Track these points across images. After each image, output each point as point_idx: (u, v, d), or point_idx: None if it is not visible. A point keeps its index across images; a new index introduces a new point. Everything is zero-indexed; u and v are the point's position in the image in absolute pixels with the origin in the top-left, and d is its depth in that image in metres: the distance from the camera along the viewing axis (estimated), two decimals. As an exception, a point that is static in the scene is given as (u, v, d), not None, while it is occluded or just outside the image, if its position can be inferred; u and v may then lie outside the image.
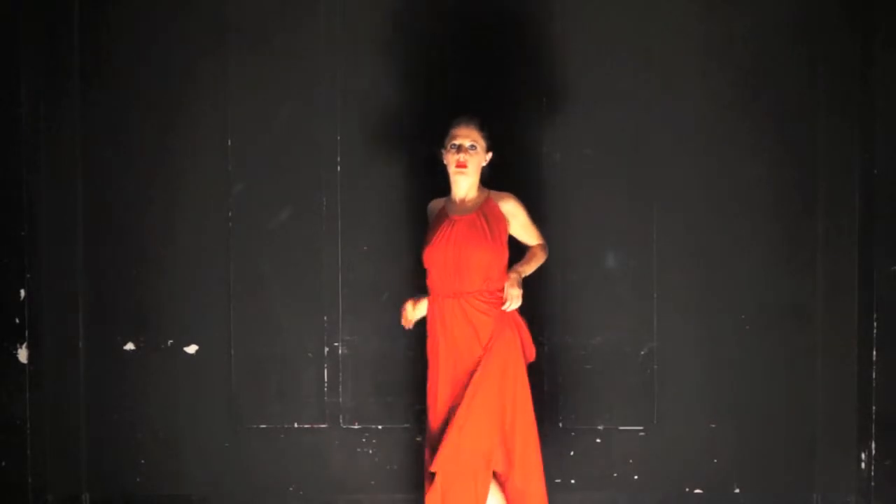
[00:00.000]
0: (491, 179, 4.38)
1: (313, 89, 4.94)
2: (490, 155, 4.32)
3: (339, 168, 4.95)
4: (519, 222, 4.32)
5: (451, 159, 4.26)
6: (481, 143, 4.26)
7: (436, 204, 4.41)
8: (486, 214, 4.23)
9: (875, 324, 4.74)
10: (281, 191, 4.96)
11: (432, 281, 4.25)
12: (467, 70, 4.88)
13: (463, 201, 4.29)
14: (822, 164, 4.90)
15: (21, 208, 4.84)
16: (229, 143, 4.97)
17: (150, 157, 4.96)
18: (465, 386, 4.13)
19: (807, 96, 4.90)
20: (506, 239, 4.26)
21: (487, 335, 4.15)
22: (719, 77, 4.90)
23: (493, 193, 4.31)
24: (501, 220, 4.25)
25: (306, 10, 4.94)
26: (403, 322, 4.31)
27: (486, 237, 4.17)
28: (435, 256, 4.20)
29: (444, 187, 4.41)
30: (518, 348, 4.22)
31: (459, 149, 4.23)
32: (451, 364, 4.18)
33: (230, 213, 4.97)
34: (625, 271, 4.93)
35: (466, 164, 4.23)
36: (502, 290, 4.19)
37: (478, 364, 4.14)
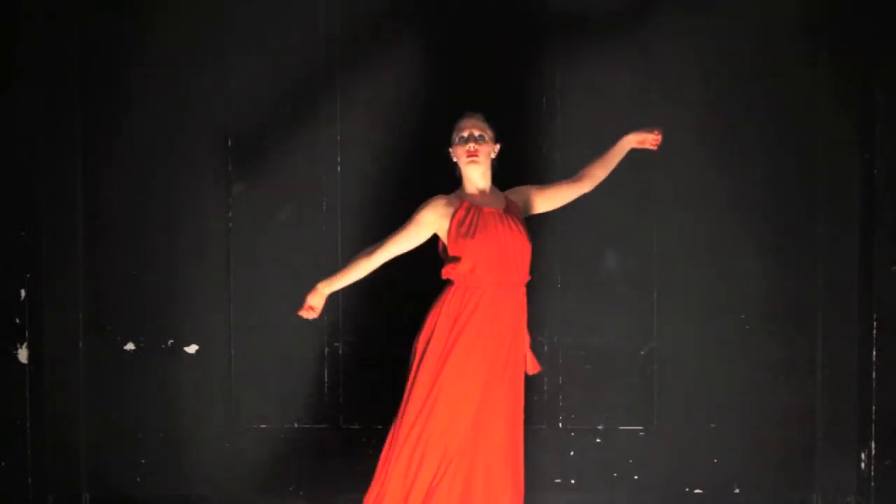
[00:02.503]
0: (496, 177, 4.38)
1: (313, 89, 4.94)
2: (498, 146, 4.32)
3: (339, 168, 4.95)
4: (533, 189, 4.32)
5: (461, 152, 4.23)
6: (489, 134, 4.26)
7: (449, 200, 4.26)
8: (512, 212, 4.21)
9: (875, 324, 4.74)
10: (281, 191, 4.96)
11: (479, 272, 4.12)
12: (467, 70, 4.88)
13: (484, 193, 4.25)
14: (822, 164, 4.90)
15: (21, 208, 4.84)
16: (229, 143, 4.97)
17: (150, 158, 4.96)
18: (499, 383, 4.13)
19: (807, 96, 4.90)
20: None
21: (524, 331, 4.15)
22: (719, 77, 4.90)
23: (507, 194, 4.31)
24: (521, 214, 4.24)
25: (306, 10, 4.94)
26: (308, 312, 4.22)
27: (517, 229, 4.15)
28: (488, 245, 4.09)
29: (443, 186, 4.40)
30: None
31: (468, 139, 4.22)
32: (491, 357, 4.11)
33: (230, 213, 4.98)
34: (625, 271, 4.93)
35: (478, 152, 4.20)
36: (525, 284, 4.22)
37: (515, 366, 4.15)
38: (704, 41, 4.90)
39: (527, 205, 4.30)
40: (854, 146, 4.87)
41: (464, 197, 4.25)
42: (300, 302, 4.94)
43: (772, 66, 4.89)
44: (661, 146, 4.88)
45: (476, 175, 4.24)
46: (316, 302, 4.26)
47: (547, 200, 4.34)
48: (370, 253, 4.21)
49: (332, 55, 4.93)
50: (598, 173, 4.34)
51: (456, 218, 4.17)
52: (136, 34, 4.95)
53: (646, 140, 4.32)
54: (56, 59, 4.94)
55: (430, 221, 4.20)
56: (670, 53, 4.90)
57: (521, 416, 4.20)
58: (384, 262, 4.18)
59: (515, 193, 4.31)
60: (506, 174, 4.37)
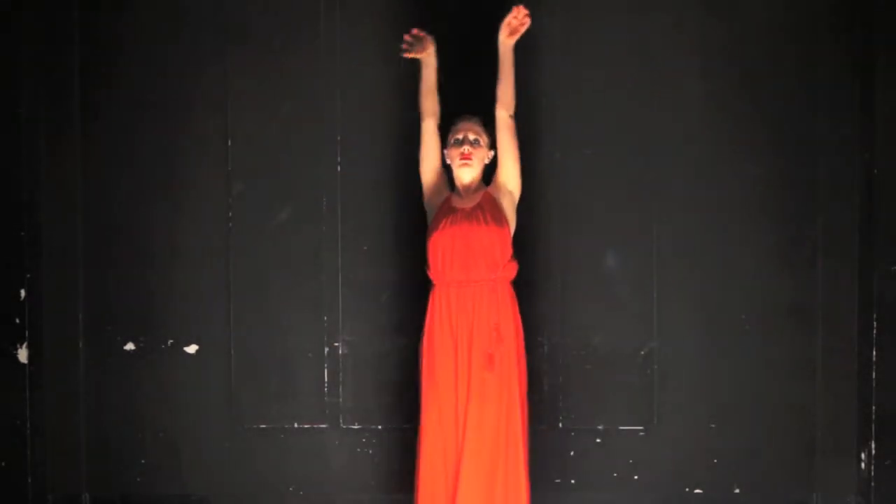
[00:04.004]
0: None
1: (313, 89, 4.94)
2: (492, 153, 4.33)
3: (339, 168, 4.95)
4: (498, 168, 4.29)
5: (454, 153, 4.26)
6: (484, 139, 4.28)
7: (447, 192, 4.40)
8: (485, 205, 4.22)
9: (875, 324, 4.74)
10: (281, 191, 4.96)
11: (437, 269, 4.20)
12: (467, 70, 4.87)
13: (467, 189, 4.29)
14: (822, 164, 4.90)
15: (21, 208, 4.84)
16: (229, 143, 4.97)
17: (150, 158, 4.97)
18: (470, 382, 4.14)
19: (807, 97, 4.90)
20: (506, 223, 4.23)
21: (494, 325, 4.14)
22: (719, 77, 4.90)
23: (488, 188, 4.32)
24: (496, 204, 4.23)
25: (306, 10, 4.94)
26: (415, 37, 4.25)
27: (483, 223, 4.15)
28: (441, 243, 4.16)
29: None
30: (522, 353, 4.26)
31: (463, 142, 4.24)
32: (452, 356, 4.16)
33: (230, 213, 4.98)
34: (625, 271, 4.93)
35: (471, 156, 4.23)
36: (508, 279, 4.20)
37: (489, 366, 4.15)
38: (705, 41, 4.90)
39: (501, 186, 4.30)
40: (854, 146, 4.88)
41: (449, 195, 4.30)
42: (300, 302, 4.97)
43: (772, 66, 4.89)
44: (662, 146, 4.91)
45: (466, 178, 4.27)
46: (427, 40, 4.30)
47: (503, 162, 4.28)
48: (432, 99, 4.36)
49: (333, 54, 4.93)
50: (499, 92, 4.24)
51: (435, 215, 4.25)
52: (136, 34, 4.95)
53: (511, 26, 4.15)
54: (56, 59, 4.93)
55: (440, 175, 4.38)
56: (670, 53, 4.90)
57: (516, 414, 4.19)
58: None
59: (492, 184, 4.32)
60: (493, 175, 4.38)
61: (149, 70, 4.95)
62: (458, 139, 4.26)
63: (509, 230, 4.24)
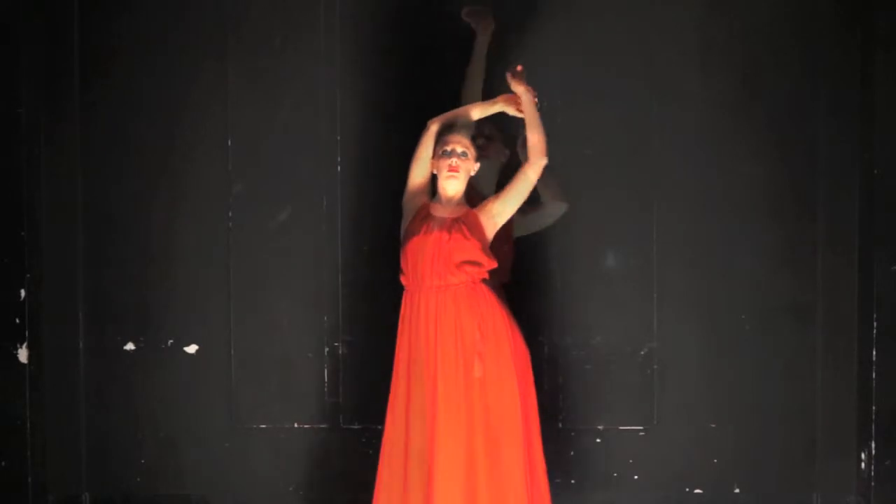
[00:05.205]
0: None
1: (313, 89, 4.94)
2: (478, 165, 4.35)
3: (339, 168, 4.95)
4: (498, 199, 4.29)
5: (442, 164, 4.29)
6: (472, 153, 4.31)
7: (426, 198, 4.40)
8: (467, 221, 4.23)
9: (875, 324, 4.74)
10: (281, 191, 4.96)
11: (415, 274, 4.21)
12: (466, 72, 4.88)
13: (449, 200, 4.30)
14: (822, 164, 4.90)
15: (21, 208, 4.84)
16: (229, 143, 4.97)
17: (150, 157, 4.97)
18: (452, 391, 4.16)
19: (807, 96, 4.90)
20: (486, 239, 4.23)
21: (472, 330, 4.15)
22: (719, 77, 4.90)
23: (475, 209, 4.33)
24: (478, 223, 4.24)
25: (306, 11, 4.94)
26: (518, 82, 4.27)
27: (465, 236, 4.17)
28: (420, 248, 4.18)
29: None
30: (523, 353, 4.25)
31: (451, 154, 4.27)
32: (425, 361, 4.18)
33: (230, 213, 4.98)
34: (625, 271, 4.93)
35: (458, 168, 4.27)
36: (481, 283, 4.24)
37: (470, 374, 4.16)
38: (705, 40, 4.90)
39: (491, 215, 4.27)
40: (854, 146, 4.87)
41: (428, 202, 4.31)
42: (300, 302, 4.97)
43: (772, 65, 4.89)
44: (662, 147, 4.91)
45: (451, 189, 4.29)
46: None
47: (506, 203, 4.27)
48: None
49: (332, 55, 4.94)
50: (531, 139, 4.27)
51: (412, 220, 4.26)
52: (136, 34, 4.95)
53: (513, 77, 4.25)
54: (56, 59, 4.94)
55: (428, 180, 4.36)
56: (670, 52, 4.90)
57: (509, 412, 4.18)
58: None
59: (482, 207, 4.32)
60: (508, 175, 4.38)
61: (149, 70, 4.95)
62: (446, 151, 4.29)
63: (487, 246, 4.26)
